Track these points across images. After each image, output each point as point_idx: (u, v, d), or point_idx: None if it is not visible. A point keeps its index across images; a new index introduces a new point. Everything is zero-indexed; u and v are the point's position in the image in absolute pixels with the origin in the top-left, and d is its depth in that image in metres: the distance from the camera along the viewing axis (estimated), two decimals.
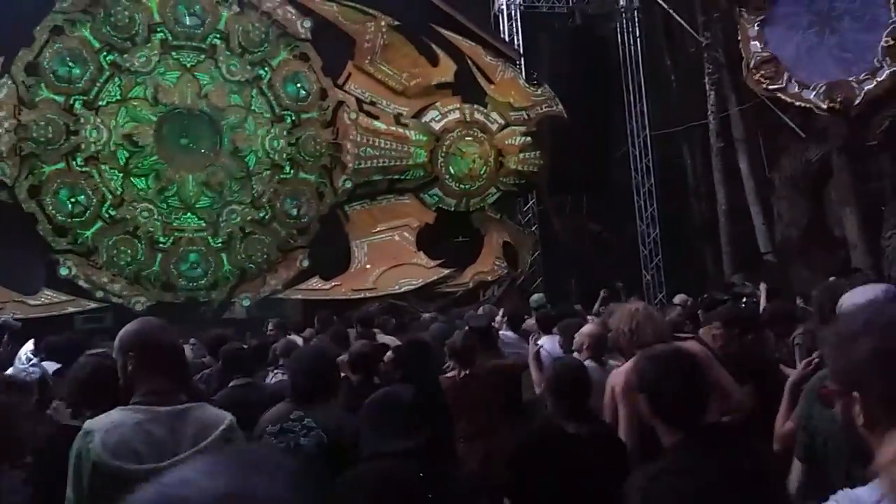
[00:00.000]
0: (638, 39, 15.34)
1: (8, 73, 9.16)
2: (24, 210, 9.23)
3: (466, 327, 5.06)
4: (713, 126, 14.49)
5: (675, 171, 16.20)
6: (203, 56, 10.34)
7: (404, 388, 3.32)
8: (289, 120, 11.01)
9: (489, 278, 12.39)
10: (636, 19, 15.36)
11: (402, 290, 11.42)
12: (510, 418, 4.42)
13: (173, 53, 10.15)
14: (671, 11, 14.70)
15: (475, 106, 12.55)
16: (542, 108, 12.95)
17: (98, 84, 9.66)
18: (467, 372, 4.41)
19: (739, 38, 13.17)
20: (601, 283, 10.14)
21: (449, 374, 4.46)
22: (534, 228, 14.05)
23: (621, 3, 15.31)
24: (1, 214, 9.15)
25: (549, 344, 5.08)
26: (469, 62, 12.50)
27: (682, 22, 14.78)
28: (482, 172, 12.54)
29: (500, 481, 3.01)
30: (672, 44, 16.11)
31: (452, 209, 12.43)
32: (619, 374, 3.32)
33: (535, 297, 8.53)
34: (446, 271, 11.94)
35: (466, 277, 12.24)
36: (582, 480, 2.67)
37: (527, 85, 13.18)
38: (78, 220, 9.52)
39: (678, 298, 8.00)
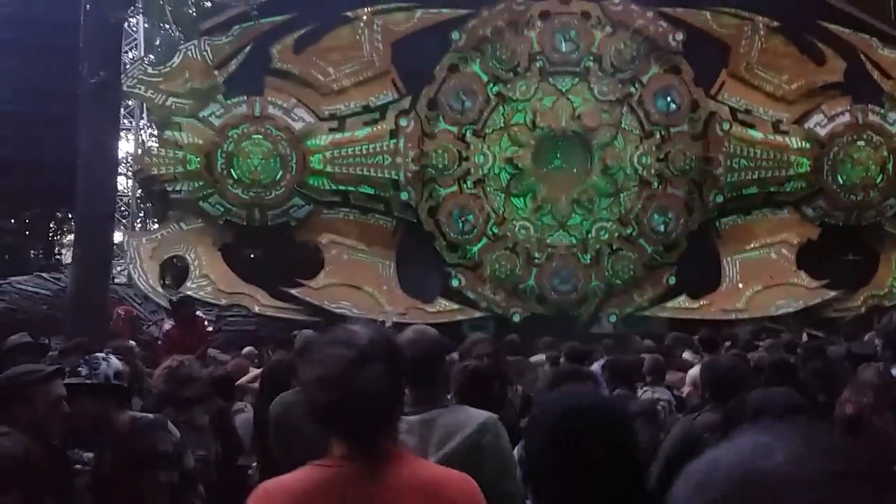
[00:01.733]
0: None
1: (414, 110, 10.58)
2: (424, 228, 10.54)
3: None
4: None
5: None
6: (577, 79, 10.78)
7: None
8: (658, 135, 10.91)
9: (886, 302, 10.81)
10: None
11: (779, 312, 10.54)
12: None
13: (550, 79, 10.75)
14: None
15: (870, 106, 11.15)
16: None
17: (485, 114, 10.65)
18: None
19: None
20: None
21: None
22: None
23: None
24: (407, 232, 10.60)
25: None
26: (862, 57, 11.11)
27: None
28: (878, 181, 11.08)
29: None
30: None
31: (841, 223, 11.17)
32: None
33: None
34: (833, 293, 10.73)
35: (857, 301, 10.88)
36: None
37: None
38: (467, 236, 10.58)
39: None
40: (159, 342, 6.76)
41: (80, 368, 2.71)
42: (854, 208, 11.13)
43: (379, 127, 10.45)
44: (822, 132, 11.11)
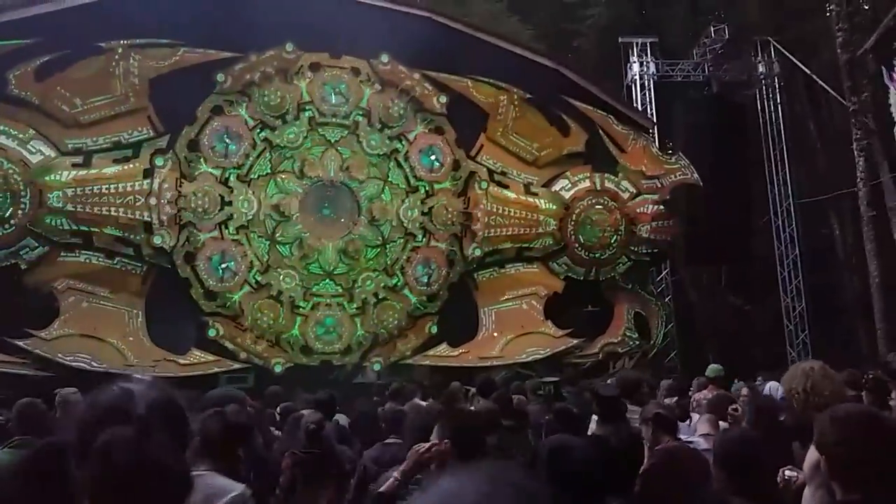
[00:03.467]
0: (779, 106, 14.79)
1: (172, 150, 10.05)
2: (180, 275, 9.94)
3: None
4: (863, 194, 13.51)
5: (823, 242, 15.26)
6: (346, 132, 10.95)
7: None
8: (423, 190, 11.36)
9: (619, 350, 12.03)
10: (777, 85, 14.83)
11: (530, 359, 11.27)
12: None
13: (319, 130, 10.82)
14: (815, 77, 14.10)
15: (606, 174, 12.45)
16: (675, 176, 12.65)
17: (251, 159, 10.42)
18: None
19: (890, 101, 12.43)
20: (740, 358, 9.56)
21: None
22: (667, 299, 13.55)
23: (760, 69, 14.86)
24: (159, 278, 9.91)
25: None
26: (600, 131, 12.46)
27: (828, 87, 14.13)
28: (612, 241, 12.33)
29: None
30: (816, 110, 15.40)
31: (581, 278, 12.25)
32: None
33: (713, 367, 7.85)
34: (575, 341, 11.70)
35: (595, 348, 11.94)
36: None
37: (660, 153, 12.97)
38: (227, 284, 10.15)
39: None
40: None
41: None
42: (592, 264, 12.25)
43: (131, 165, 9.78)
44: (567, 195, 12.20)
